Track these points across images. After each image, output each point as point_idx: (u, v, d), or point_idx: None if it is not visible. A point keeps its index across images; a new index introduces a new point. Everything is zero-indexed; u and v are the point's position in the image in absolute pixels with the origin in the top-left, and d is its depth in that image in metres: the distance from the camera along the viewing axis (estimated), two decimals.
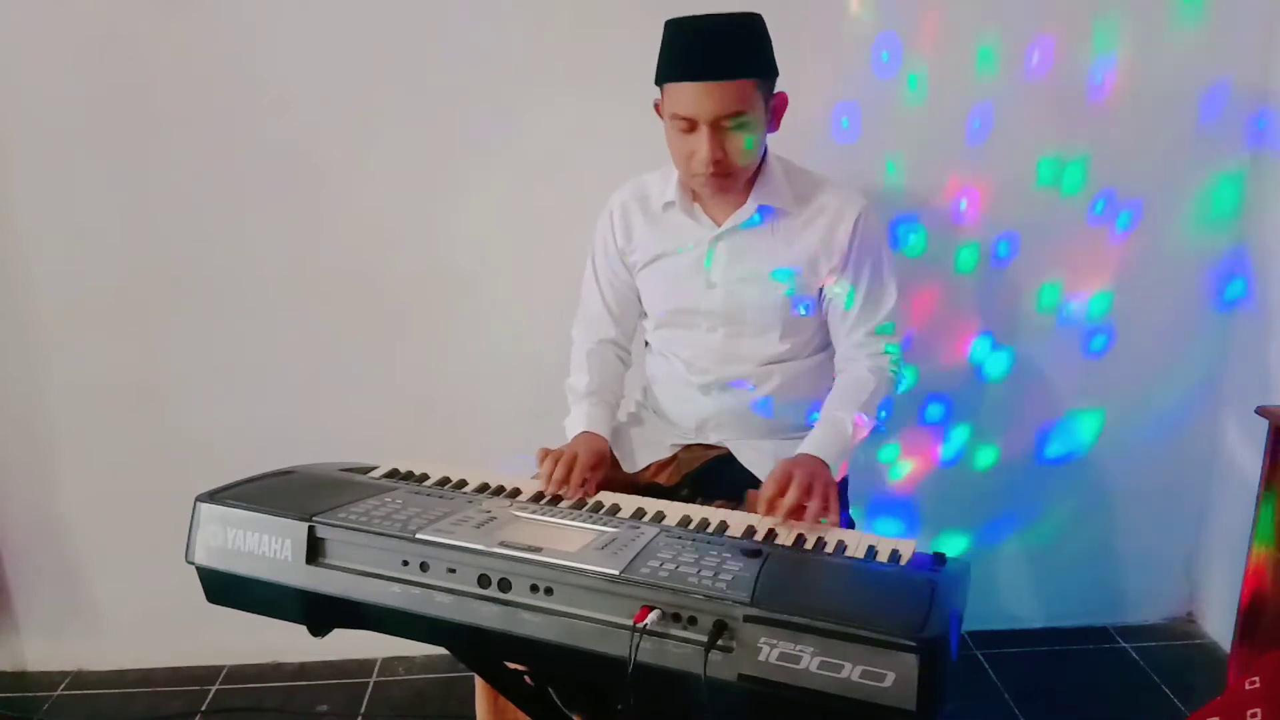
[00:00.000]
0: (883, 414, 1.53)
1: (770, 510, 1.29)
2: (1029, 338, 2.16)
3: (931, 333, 2.12)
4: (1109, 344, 2.17)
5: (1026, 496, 2.26)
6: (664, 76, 1.44)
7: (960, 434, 2.19)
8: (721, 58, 1.38)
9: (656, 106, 1.51)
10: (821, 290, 1.57)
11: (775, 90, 1.48)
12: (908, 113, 1.99)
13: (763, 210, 1.53)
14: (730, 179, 1.46)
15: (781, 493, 1.29)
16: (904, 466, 2.19)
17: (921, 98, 1.99)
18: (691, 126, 1.41)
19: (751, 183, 1.53)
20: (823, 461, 1.40)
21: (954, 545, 2.21)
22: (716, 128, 1.40)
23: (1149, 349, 2.18)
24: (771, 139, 1.53)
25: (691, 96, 1.39)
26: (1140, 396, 2.21)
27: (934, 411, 2.17)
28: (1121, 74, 2.00)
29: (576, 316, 1.73)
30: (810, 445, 1.45)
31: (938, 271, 2.09)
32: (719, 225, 1.55)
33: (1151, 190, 2.08)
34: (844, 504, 1.65)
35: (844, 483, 1.70)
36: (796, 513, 1.28)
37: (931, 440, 2.19)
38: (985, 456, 2.22)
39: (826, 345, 1.65)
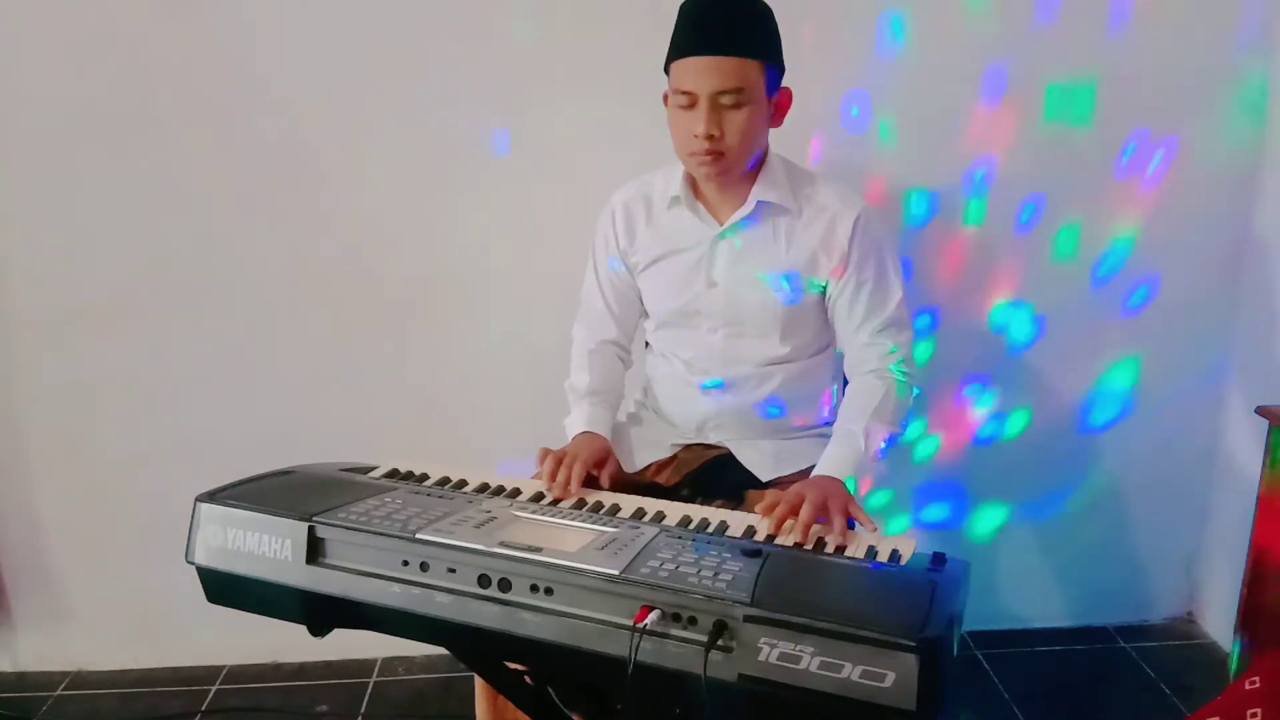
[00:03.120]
0: (894, 418, 1.51)
1: (778, 528, 1.24)
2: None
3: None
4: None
5: (1028, 495, 2.26)
6: (671, 56, 1.45)
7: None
8: (724, 34, 1.40)
9: (665, 98, 1.51)
10: (824, 291, 1.57)
11: (781, 86, 1.49)
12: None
13: (763, 206, 1.53)
14: (724, 162, 1.45)
15: (793, 513, 1.24)
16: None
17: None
18: (691, 102, 1.42)
19: (753, 180, 1.53)
20: (838, 480, 1.38)
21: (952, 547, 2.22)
22: (715, 104, 1.41)
23: (1148, 345, 2.19)
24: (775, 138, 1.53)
25: (693, 70, 1.41)
26: (1141, 395, 2.21)
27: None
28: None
29: (577, 316, 1.73)
30: (824, 465, 1.43)
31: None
32: (721, 224, 1.55)
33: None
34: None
35: None
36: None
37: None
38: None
39: (827, 346, 1.66)
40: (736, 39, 1.40)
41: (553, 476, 1.38)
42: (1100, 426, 2.23)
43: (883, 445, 1.49)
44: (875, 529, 1.27)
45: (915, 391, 1.58)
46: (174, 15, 1.90)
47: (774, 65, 1.46)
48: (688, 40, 1.43)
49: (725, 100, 1.41)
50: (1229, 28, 2.02)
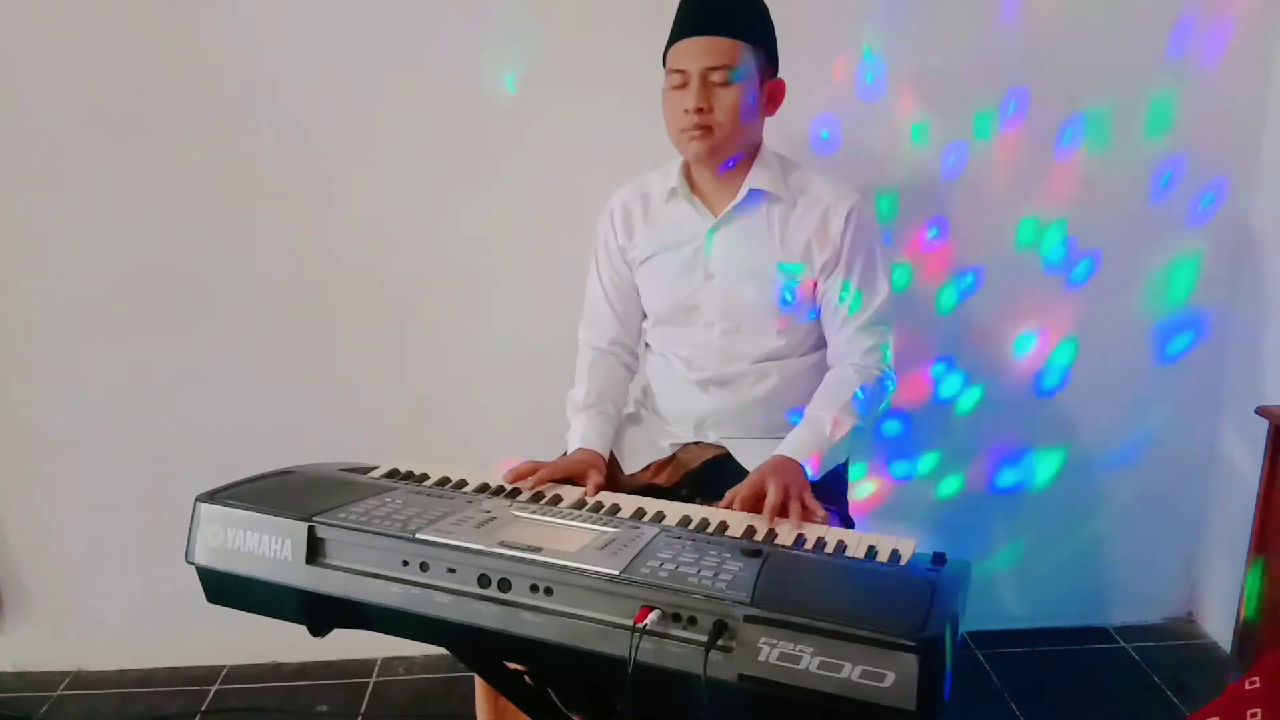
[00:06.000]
0: (864, 411, 1.54)
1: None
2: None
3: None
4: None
5: (1025, 494, 2.26)
6: (669, 44, 1.51)
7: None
8: (715, 15, 1.48)
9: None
10: (815, 285, 1.58)
11: (774, 77, 1.54)
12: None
13: (755, 194, 1.55)
14: (713, 138, 1.49)
15: (758, 498, 1.32)
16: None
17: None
18: (684, 82, 1.48)
19: (746, 172, 1.56)
20: (795, 465, 1.42)
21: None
22: (705, 81, 1.47)
23: (1149, 344, 2.19)
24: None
25: (684, 50, 1.48)
26: (1140, 396, 2.21)
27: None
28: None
29: (582, 318, 1.73)
30: (787, 446, 1.48)
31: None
32: (716, 216, 1.57)
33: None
34: (843, 503, 1.65)
35: (841, 483, 1.70)
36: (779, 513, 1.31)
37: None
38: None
39: (824, 344, 1.66)
40: (726, 20, 1.47)
41: (517, 473, 1.41)
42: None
43: (847, 435, 1.51)
44: (825, 518, 1.32)
45: (890, 388, 1.60)
46: (174, 15, 1.90)
47: (765, 52, 1.51)
48: (681, 24, 1.50)
49: (715, 78, 1.46)
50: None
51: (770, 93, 1.54)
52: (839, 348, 1.60)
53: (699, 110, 1.46)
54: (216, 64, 1.93)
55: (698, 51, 1.46)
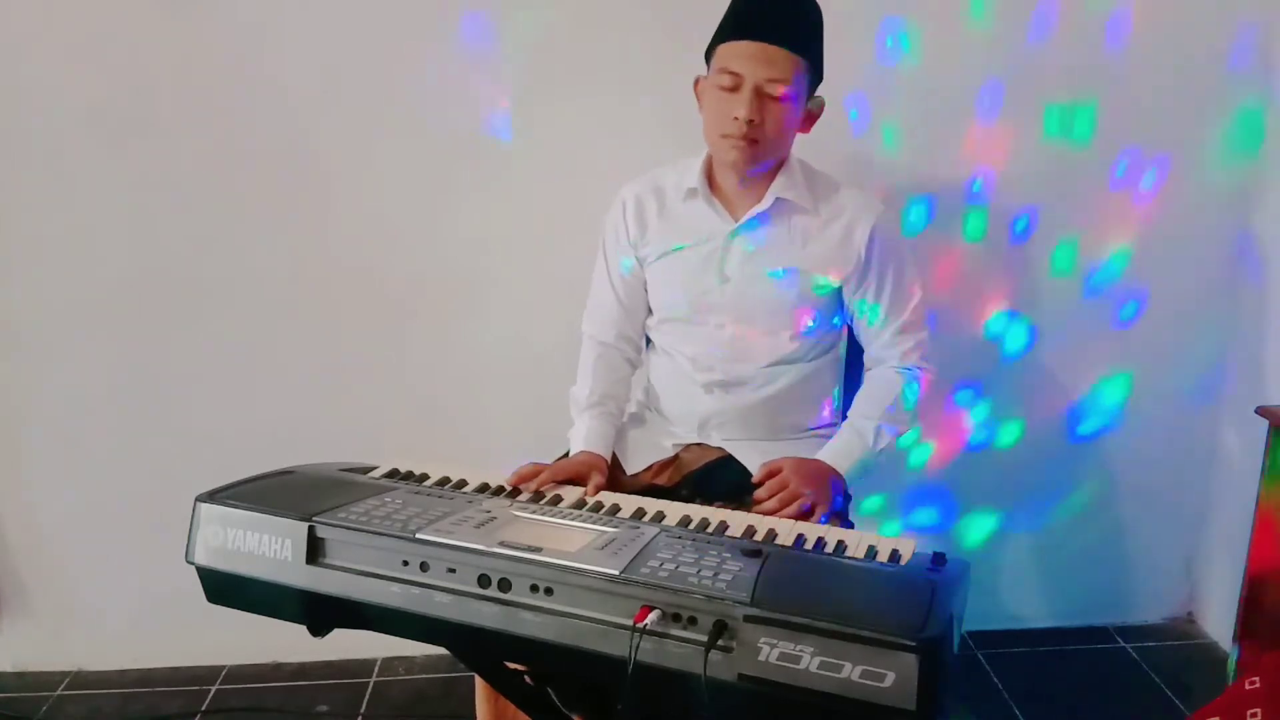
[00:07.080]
0: (908, 415, 1.58)
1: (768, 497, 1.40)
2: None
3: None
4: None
5: (1026, 497, 2.26)
6: (721, 37, 1.46)
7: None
8: (783, 26, 1.43)
9: (696, 84, 1.53)
10: (834, 291, 1.58)
11: (815, 95, 1.52)
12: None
13: (780, 203, 1.54)
14: (756, 149, 1.46)
15: (783, 487, 1.40)
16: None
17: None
18: (735, 85, 1.43)
19: (771, 179, 1.54)
20: (839, 478, 1.48)
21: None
22: (760, 91, 1.43)
23: (1148, 345, 2.19)
24: None
25: (745, 53, 1.42)
26: (1140, 396, 2.21)
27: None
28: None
29: (586, 311, 1.72)
30: (832, 454, 1.51)
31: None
32: (737, 220, 1.56)
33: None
34: (843, 508, 1.66)
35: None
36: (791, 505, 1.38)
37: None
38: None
39: (832, 348, 1.66)
40: (793, 33, 1.43)
41: (520, 475, 1.40)
42: (1091, 435, 2.23)
43: (891, 443, 1.55)
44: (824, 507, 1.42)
45: (928, 384, 1.62)
46: (174, 15, 1.90)
47: (817, 70, 1.49)
48: (746, 23, 1.44)
49: (770, 90, 1.43)
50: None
51: (810, 110, 1.52)
52: (878, 352, 1.62)
53: (750, 121, 1.43)
54: (216, 64, 1.93)
55: (758, 59, 1.41)
